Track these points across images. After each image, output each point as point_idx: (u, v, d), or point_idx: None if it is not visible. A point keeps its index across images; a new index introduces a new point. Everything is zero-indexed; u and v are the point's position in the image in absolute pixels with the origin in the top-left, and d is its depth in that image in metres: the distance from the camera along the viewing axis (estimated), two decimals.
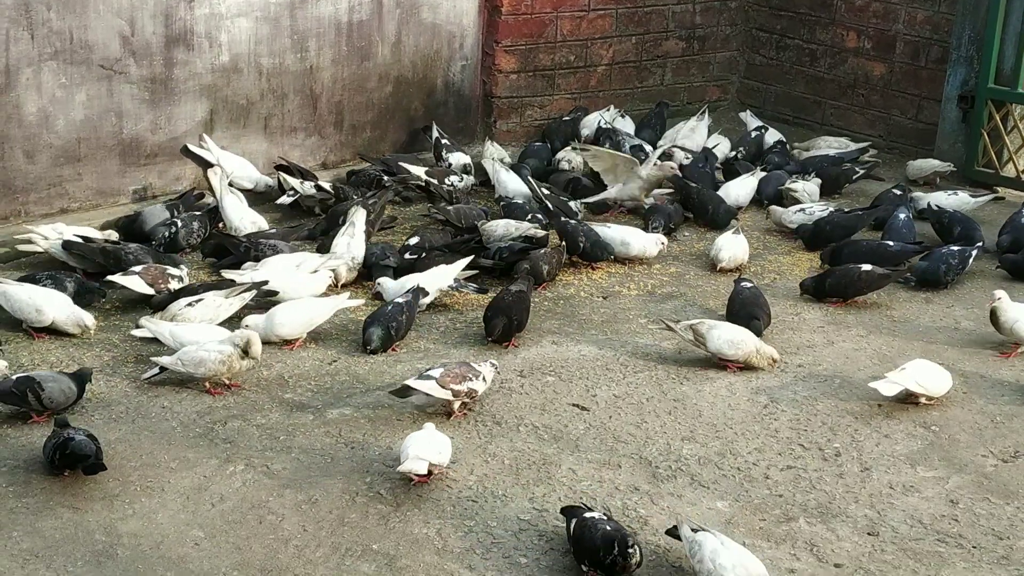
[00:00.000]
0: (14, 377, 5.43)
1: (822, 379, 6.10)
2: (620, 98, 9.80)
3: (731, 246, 7.35)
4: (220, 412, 5.59)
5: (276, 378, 5.89)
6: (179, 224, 7.23)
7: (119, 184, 7.71)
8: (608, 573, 4.45)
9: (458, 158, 8.53)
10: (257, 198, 7.89)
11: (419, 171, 8.21)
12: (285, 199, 7.84)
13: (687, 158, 8.77)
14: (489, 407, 5.69)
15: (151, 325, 6.03)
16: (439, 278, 6.66)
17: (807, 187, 8.31)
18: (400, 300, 6.33)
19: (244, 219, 7.41)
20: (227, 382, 5.74)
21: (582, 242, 7.25)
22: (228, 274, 6.67)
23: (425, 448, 5.02)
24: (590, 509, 4.69)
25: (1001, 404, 5.91)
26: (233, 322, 6.23)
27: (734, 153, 9.15)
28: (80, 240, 6.83)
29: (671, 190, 8.23)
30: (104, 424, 5.42)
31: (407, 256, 7.07)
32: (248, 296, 6.35)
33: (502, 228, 7.36)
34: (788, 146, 9.32)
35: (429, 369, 5.61)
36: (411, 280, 6.60)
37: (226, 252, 7.10)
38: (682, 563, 4.65)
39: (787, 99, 10.14)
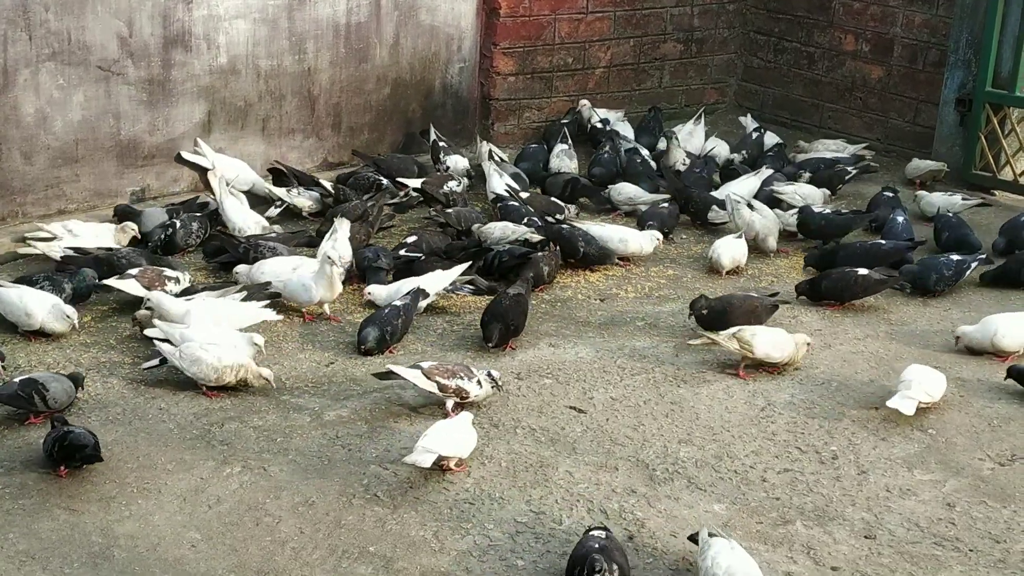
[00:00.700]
0: (17, 380, 5.43)
1: (819, 382, 6.10)
2: (618, 100, 9.81)
3: (730, 249, 7.35)
4: (217, 414, 5.59)
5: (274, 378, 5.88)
6: (177, 225, 7.23)
7: (117, 185, 7.71)
8: None
9: (456, 161, 8.53)
10: (256, 200, 7.88)
11: (415, 183, 8.18)
12: (273, 211, 7.80)
13: (685, 163, 8.76)
14: (486, 409, 5.69)
15: (164, 325, 5.99)
16: (436, 282, 6.66)
17: (800, 190, 8.28)
18: (398, 303, 6.33)
19: (247, 220, 7.41)
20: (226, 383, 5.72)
21: (581, 247, 7.23)
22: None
23: (436, 440, 5.03)
24: (604, 528, 4.59)
25: (998, 408, 5.91)
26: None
27: (735, 156, 9.15)
28: (73, 253, 6.84)
29: (667, 196, 8.21)
30: (101, 426, 5.42)
31: (403, 253, 7.07)
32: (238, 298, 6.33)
33: (499, 231, 7.37)
34: (784, 149, 9.32)
35: (422, 360, 5.64)
36: (407, 284, 6.60)
37: (225, 253, 7.11)
38: (678, 565, 4.65)
39: (785, 102, 10.14)
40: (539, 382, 5.99)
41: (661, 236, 7.54)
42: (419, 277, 6.70)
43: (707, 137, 9.46)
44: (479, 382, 5.61)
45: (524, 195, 7.95)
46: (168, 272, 6.62)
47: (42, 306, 6.14)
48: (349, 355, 6.19)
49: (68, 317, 6.14)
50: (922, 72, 9.32)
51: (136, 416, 5.55)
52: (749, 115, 9.83)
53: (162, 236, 7.17)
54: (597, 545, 4.39)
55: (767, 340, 6.08)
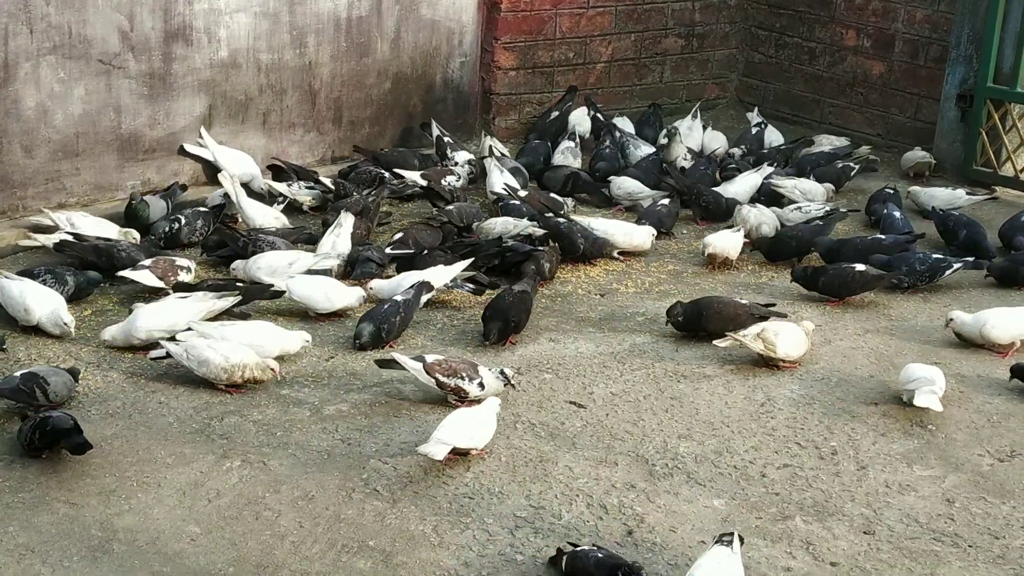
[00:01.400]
0: (18, 374, 5.43)
1: (819, 378, 6.10)
2: (619, 95, 9.81)
3: (722, 242, 7.33)
4: (217, 408, 5.59)
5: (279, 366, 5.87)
6: (182, 220, 7.23)
7: (117, 179, 7.71)
8: None
9: (463, 156, 8.53)
10: (252, 195, 7.84)
11: (415, 175, 8.18)
12: (276, 207, 7.79)
13: (686, 158, 8.75)
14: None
15: (198, 327, 5.95)
16: (437, 277, 6.65)
17: (800, 184, 8.27)
18: (399, 298, 6.31)
19: (267, 216, 7.39)
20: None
21: (581, 244, 7.23)
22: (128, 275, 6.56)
23: (450, 431, 5.07)
24: (576, 545, 4.57)
25: (998, 403, 5.91)
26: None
27: (735, 151, 9.14)
28: (72, 239, 6.85)
29: (668, 193, 8.19)
30: (101, 419, 5.42)
31: (389, 251, 7.09)
32: (226, 301, 6.30)
33: (500, 226, 7.37)
34: (794, 149, 9.30)
35: (428, 353, 5.66)
36: (410, 278, 6.59)
37: (225, 247, 7.11)
38: (677, 560, 4.65)
39: (786, 97, 10.14)
40: (539, 377, 5.99)
41: (655, 232, 7.54)
42: (422, 271, 6.68)
43: (704, 131, 9.44)
44: (481, 383, 5.59)
45: (523, 193, 7.93)
46: (180, 262, 6.66)
47: (41, 307, 6.12)
48: (349, 350, 6.19)
49: (64, 325, 6.10)
50: (923, 68, 9.32)
51: (136, 410, 5.55)
52: (756, 109, 9.83)
53: (166, 229, 7.16)
54: (602, 555, 4.41)
55: (788, 340, 6.08)
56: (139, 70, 7.62)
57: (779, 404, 5.83)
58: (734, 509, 5.01)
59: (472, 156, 8.59)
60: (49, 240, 6.87)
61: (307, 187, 7.94)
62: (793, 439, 5.55)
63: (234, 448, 5.27)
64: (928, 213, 8.02)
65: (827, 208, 7.90)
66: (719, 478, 5.22)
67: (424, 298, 6.50)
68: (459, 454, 5.19)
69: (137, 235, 7.18)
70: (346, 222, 7.03)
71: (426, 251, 7.03)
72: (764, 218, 7.70)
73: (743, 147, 9.17)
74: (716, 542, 4.43)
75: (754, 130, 9.41)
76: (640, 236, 7.47)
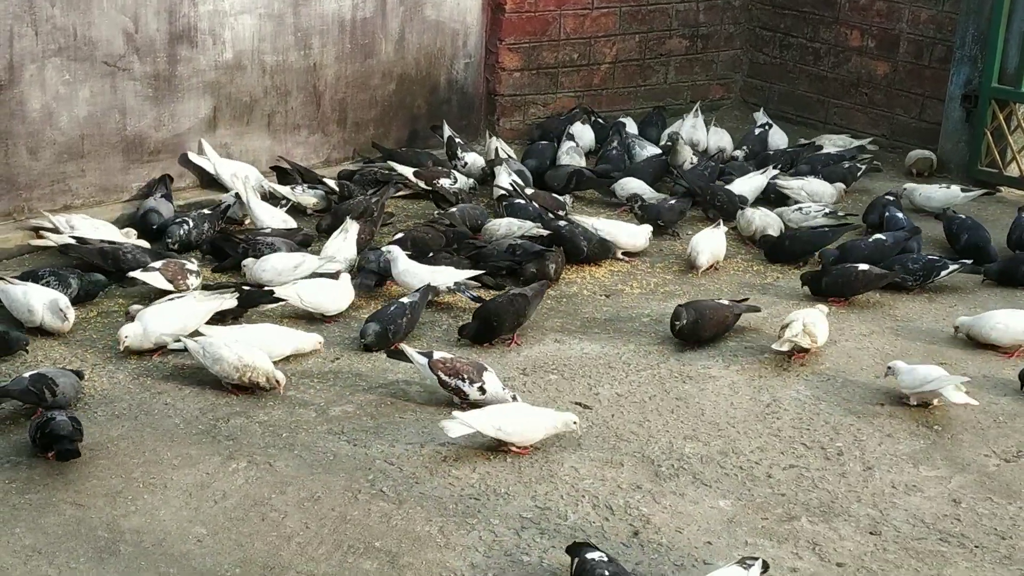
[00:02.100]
0: (27, 376, 5.43)
1: (825, 378, 6.10)
2: (623, 96, 9.81)
3: (709, 244, 7.31)
4: (223, 409, 5.59)
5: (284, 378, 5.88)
6: (190, 224, 7.23)
7: (123, 181, 7.71)
8: None
9: (474, 159, 8.54)
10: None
11: (407, 171, 8.19)
12: (280, 210, 7.79)
13: (692, 160, 8.74)
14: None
15: (214, 330, 5.95)
16: (444, 277, 6.65)
17: (807, 185, 8.27)
18: (405, 300, 6.32)
19: (275, 219, 7.41)
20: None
21: (584, 246, 7.22)
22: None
23: (478, 416, 5.17)
24: (595, 548, 4.52)
25: (1003, 404, 5.91)
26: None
27: (738, 152, 9.14)
28: (76, 242, 6.87)
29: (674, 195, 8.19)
30: (107, 420, 5.43)
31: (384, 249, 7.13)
32: (226, 300, 6.31)
33: (504, 227, 7.38)
34: (789, 148, 9.31)
35: (438, 350, 5.74)
36: (417, 279, 6.60)
37: (225, 254, 7.11)
38: (683, 561, 4.65)
39: (790, 98, 10.14)
40: (544, 378, 5.99)
41: (650, 227, 7.56)
42: (429, 270, 6.68)
43: (708, 130, 9.43)
44: (482, 388, 5.58)
45: (529, 191, 7.94)
46: (189, 265, 6.68)
47: (42, 302, 6.14)
48: (354, 351, 6.19)
49: (62, 311, 6.10)
50: (928, 68, 9.32)
51: (142, 411, 5.56)
52: (762, 110, 9.82)
53: (180, 235, 7.15)
54: (609, 571, 4.34)
55: (823, 328, 6.23)
56: (144, 72, 7.63)
57: (785, 405, 5.83)
58: (740, 510, 5.01)
59: (482, 159, 8.59)
60: (60, 240, 6.90)
61: (310, 189, 7.94)
62: (799, 440, 5.55)
63: (240, 449, 5.28)
64: (938, 215, 8.01)
65: (828, 209, 7.89)
66: (725, 479, 5.22)
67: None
68: (502, 449, 5.25)
69: (135, 233, 7.18)
70: (351, 228, 7.05)
71: (431, 254, 7.03)
72: (769, 220, 7.71)
73: (745, 148, 9.17)
74: (737, 563, 4.41)
75: (757, 131, 9.41)
76: (643, 236, 7.49)
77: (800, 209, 7.90)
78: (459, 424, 5.17)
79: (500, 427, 5.21)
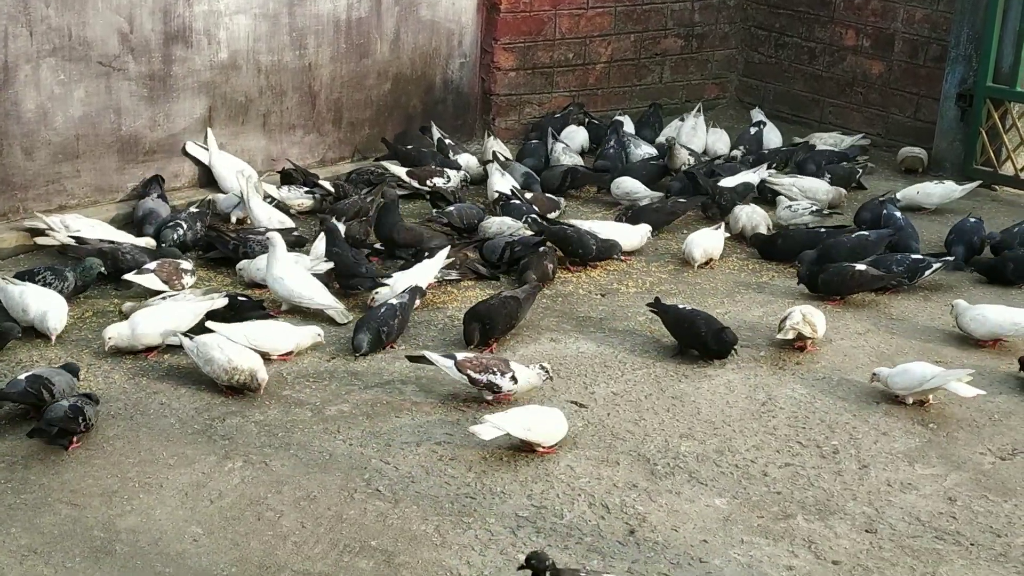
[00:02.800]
0: (23, 377, 5.43)
1: (820, 377, 6.10)
2: (619, 96, 9.82)
3: (702, 241, 7.34)
4: (218, 409, 5.59)
5: (274, 375, 5.87)
6: (185, 225, 7.22)
7: (118, 181, 7.71)
8: None
9: (467, 160, 8.55)
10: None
11: (400, 171, 8.20)
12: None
13: (689, 162, 8.75)
14: (487, 404, 5.68)
15: (216, 327, 5.96)
16: (423, 275, 6.65)
17: (799, 182, 8.27)
18: (394, 302, 6.31)
19: (272, 219, 7.41)
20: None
21: (593, 247, 7.22)
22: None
23: (507, 419, 5.18)
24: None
25: (999, 402, 5.91)
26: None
27: (736, 152, 9.14)
28: (75, 243, 6.89)
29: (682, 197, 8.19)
30: (103, 420, 5.42)
31: (379, 247, 7.21)
32: (219, 301, 6.31)
33: (496, 226, 7.41)
34: (784, 147, 9.31)
35: (460, 351, 5.75)
36: (403, 280, 6.59)
37: (215, 248, 7.14)
38: (680, 559, 4.66)
39: (786, 97, 10.15)
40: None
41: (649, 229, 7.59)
42: (406, 272, 6.69)
43: (708, 131, 9.44)
44: (513, 377, 5.63)
45: (529, 194, 7.94)
46: (184, 265, 6.70)
47: (37, 307, 6.13)
48: (350, 351, 6.19)
49: (48, 330, 6.07)
50: (923, 67, 9.33)
51: (138, 411, 5.56)
52: (757, 108, 9.83)
53: (174, 237, 7.15)
54: None
55: (820, 320, 6.33)
56: (139, 72, 7.62)
57: (780, 403, 5.84)
58: (736, 508, 5.01)
59: (476, 160, 8.59)
60: (60, 239, 6.92)
61: (307, 192, 7.93)
62: (795, 438, 5.55)
63: (236, 449, 5.28)
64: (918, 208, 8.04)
65: (815, 207, 7.89)
66: (721, 477, 5.23)
67: (418, 301, 6.51)
68: (528, 449, 5.26)
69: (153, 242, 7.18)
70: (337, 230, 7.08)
71: (427, 253, 7.05)
72: (757, 218, 7.73)
73: (743, 148, 9.18)
74: None
75: (752, 130, 9.42)
76: (638, 236, 7.49)
77: (790, 207, 7.92)
78: (490, 427, 5.18)
79: (530, 428, 5.23)
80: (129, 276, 6.55)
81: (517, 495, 5.02)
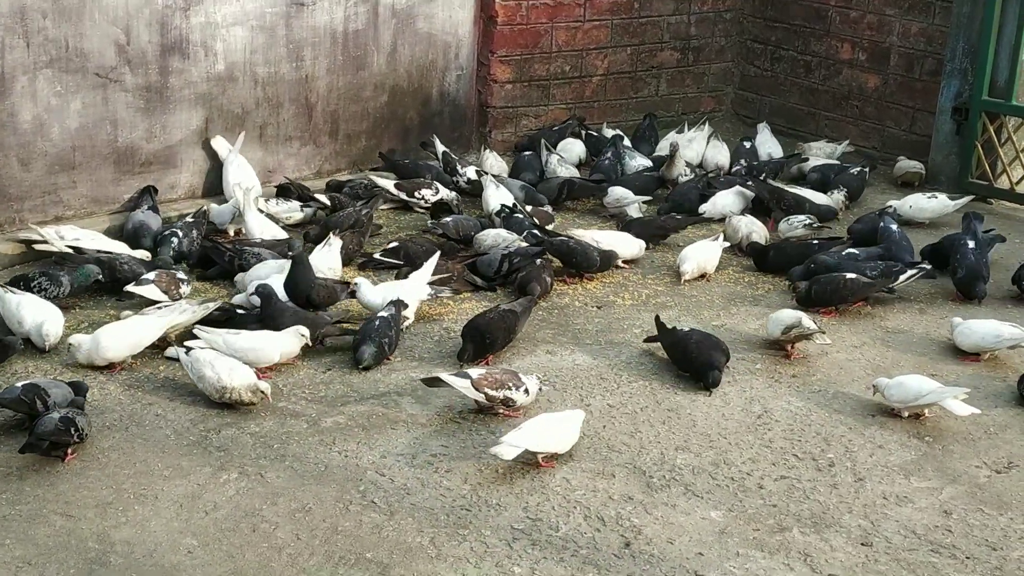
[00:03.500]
0: (19, 385, 5.43)
1: (816, 390, 6.10)
2: (615, 108, 9.84)
3: (695, 254, 7.36)
4: (214, 420, 5.59)
5: (270, 386, 5.87)
6: (180, 235, 7.23)
7: (114, 192, 7.71)
8: None
9: (471, 173, 8.55)
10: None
11: (388, 184, 8.21)
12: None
13: (684, 173, 8.76)
14: (482, 416, 5.68)
15: (204, 334, 5.97)
16: (414, 289, 6.65)
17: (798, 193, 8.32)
18: (384, 314, 6.30)
19: (265, 232, 7.41)
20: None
21: (597, 258, 7.23)
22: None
23: (523, 436, 5.19)
24: None
25: (995, 415, 5.92)
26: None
27: (737, 167, 9.14)
28: (73, 252, 6.90)
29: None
30: (97, 432, 5.42)
31: (378, 256, 7.25)
32: (212, 307, 6.33)
33: (491, 238, 7.42)
34: (782, 158, 9.33)
35: (470, 367, 5.74)
36: (392, 290, 6.59)
37: (212, 261, 7.12)
38: (675, 572, 4.65)
39: (781, 110, 10.17)
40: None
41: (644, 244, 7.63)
42: (397, 285, 6.69)
43: (707, 144, 9.45)
44: (526, 390, 5.66)
45: (529, 208, 7.95)
46: (180, 275, 6.73)
47: (33, 318, 6.13)
48: (346, 363, 6.19)
49: (43, 338, 6.07)
50: (918, 81, 9.35)
51: (133, 422, 5.55)
52: (764, 123, 9.81)
53: (174, 249, 7.15)
54: None
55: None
56: (136, 83, 7.63)
57: (776, 416, 5.84)
58: (731, 521, 5.01)
59: (476, 171, 8.62)
60: (59, 247, 6.95)
61: (303, 206, 7.93)
62: (790, 451, 5.55)
63: (231, 460, 5.27)
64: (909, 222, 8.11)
65: (808, 220, 7.90)
66: (716, 490, 5.23)
67: (407, 314, 6.48)
68: (549, 461, 5.30)
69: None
70: (334, 242, 7.07)
71: (401, 264, 7.10)
72: (755, 227, 7.79)
73: (743, 161, 9.19)
74: None
75: (747, 144, 9.44)
76: (637, 245, 7.53)
77: (786, 219, 7.95)
78: (509, 447, 5.16)
79: (547, 442, 5.23)
80: (130, 288, 6.57)
81: (513, 507, 5.01)
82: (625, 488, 5.20)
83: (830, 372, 6.29)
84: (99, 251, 6.98)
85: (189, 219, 7.48)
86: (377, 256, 7.28)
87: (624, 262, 7.49)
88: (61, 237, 7.07)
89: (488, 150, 8.99)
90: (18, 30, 7.11)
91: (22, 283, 6.46)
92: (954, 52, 8.91)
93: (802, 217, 7.96)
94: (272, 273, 6.72)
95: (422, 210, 8.19)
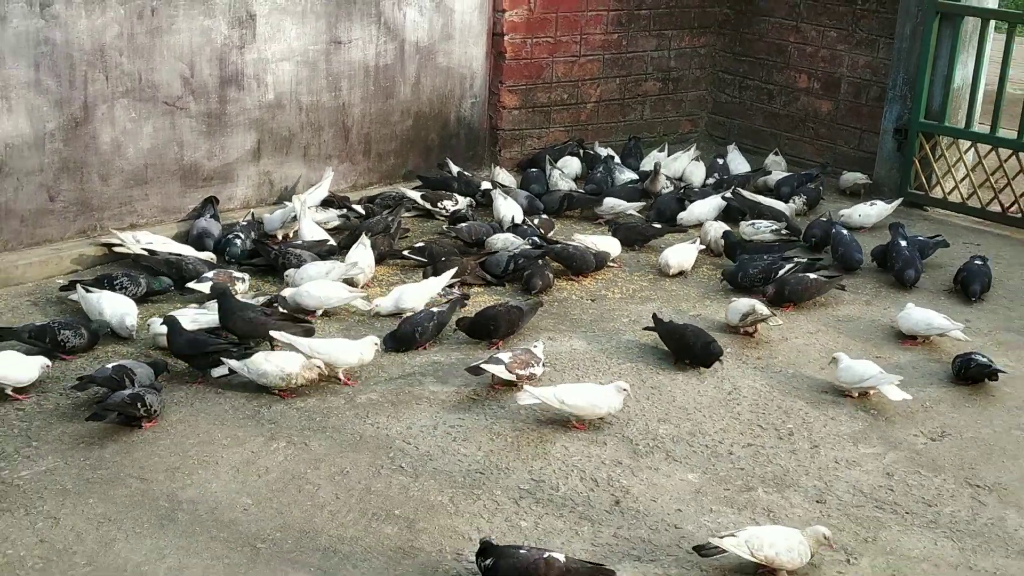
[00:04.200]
0: (110, 366, 5.44)
1: (777, 370, 6.09)
2: (606, 130, 9.80)
3: (677, 254, 7.34)
4: (265, 397, 5.59)
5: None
6: (242, 237, 7.23)
7: (180, 203, 7.71)
8: None
9: (487, 185, 8.54)
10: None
11: (415, 195, 8.21)
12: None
13: (666, 186, 8.74)
14: (493, 393, 5.68)
15: (283, 339, 5.82)
16: (427, 289, 6.63)
17: (762, 201, 8.27)
18: (435, 309, 6.29)
19: (315, 235, 7.39)
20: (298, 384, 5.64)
21: (593, 261, 7.21)
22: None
23: (544, 390, 5.29)
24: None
25: (930, 391, 5.90)
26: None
27: (710, 180, 9.09)
28: (147, 254, 6.91)
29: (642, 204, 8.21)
30: (167, 407, 5.42)
31: (407, 253, 7.22)
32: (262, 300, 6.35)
33: (501, 242, 7.42)
34: (749, 172, 9.29)
35: (499, 353, 5.73)
36: (406, 292, 6.57)
37: (257, 254, 7.16)
38: (658, 526, 4.64)
39: (748, 131, 10.14)
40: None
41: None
42: (411, 286, 6.66)
43: (689, 162, 9.40)
44: (542, 363, 5.72)
45: (536, 220, 7.94)
46: (236, 274, 6.72)
47: (113, 311, 6.13)
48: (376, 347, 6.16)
49: (128, 329, 6.06)
50: (865, 106, 9.32)
51: (197, 399, 5.56)
52: (734, 144, 9.75)
53: (238, 250, 7.13)
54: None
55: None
56: (198, 110, 7.62)
57: (744, 392, 5.83)
58: (706, 482, 5.00)
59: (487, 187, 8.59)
60: (135, 250, 6.95)
61: (340, 215, 7.92)
62: (756, 422, 5.54)
63: (280, 431, 5.27)
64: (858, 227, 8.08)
65: (774, 226, 7.87)
66: (693, 455, 5.22)
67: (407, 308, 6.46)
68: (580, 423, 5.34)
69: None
70: (366, 241, 7.07)
71: (426, 262, 7.10)
72: (723, 231, 7.73)
73: (715, 176, 9.16)
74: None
75: (720, 161, 9.41)
76: (615, 247, 7.54)
77: (752, 224, 7.92)
78: (528, 395, 5.28)
79: (563, 400, 5.27)
80: (192, 284, 6.56)
81: (519, 471, 5.01)
82: (615, 454, 5.19)
83: (789, 355, 6.28)
84: (169, 253, 6.99)
85: (243, 222, 7.48)
86: (406, 253, 7.27)
87: (614, 260, 7.47)
88: (137, 241, 7.08)
89: (498, 167, 8.98)
90: (99, 65, 7.11)
91: (106, 281, 6.46)
92: (895, 81, 8.88)
93: (768, 223, 7.92)
94: (318, 275, 6.70)
95: (443, 218, 8.18)
